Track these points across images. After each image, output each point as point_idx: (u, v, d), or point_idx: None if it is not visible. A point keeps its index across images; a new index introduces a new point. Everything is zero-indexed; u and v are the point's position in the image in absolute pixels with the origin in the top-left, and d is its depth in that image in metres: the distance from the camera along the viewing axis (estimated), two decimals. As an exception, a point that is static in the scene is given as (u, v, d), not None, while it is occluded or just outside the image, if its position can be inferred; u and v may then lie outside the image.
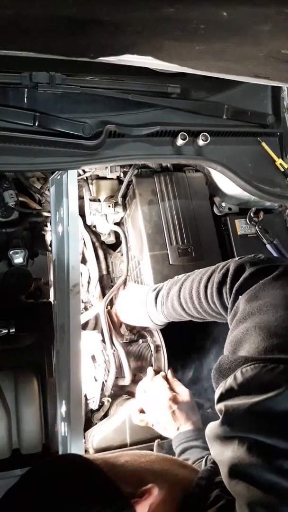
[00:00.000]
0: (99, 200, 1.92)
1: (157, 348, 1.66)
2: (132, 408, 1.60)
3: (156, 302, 1.48)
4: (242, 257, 1.23)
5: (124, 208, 1.93)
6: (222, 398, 0.84)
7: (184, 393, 1.53)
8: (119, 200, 1.90)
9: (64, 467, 0.88)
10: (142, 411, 1.57)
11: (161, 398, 1.51)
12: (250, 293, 1.07)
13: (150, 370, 1.63)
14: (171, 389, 1.55)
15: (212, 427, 0.85)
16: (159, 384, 1.56)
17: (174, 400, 1.50)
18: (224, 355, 0.98)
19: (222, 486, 0.85)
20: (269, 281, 1.06)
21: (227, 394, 0.83)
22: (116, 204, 1.91)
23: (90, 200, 1.91)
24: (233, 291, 1.14)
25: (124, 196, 1.92)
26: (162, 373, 1.62)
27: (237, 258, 1.25)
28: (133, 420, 1.58)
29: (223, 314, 1.28)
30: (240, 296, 1.09)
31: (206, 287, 1.28)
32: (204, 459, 1.19)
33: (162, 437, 1.55)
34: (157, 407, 1.50)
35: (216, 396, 0.87)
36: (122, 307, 1.68)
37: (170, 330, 1.69)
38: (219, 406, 0.84)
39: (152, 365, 1.67)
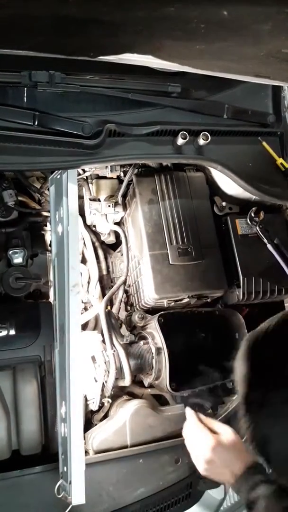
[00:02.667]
0: (99, 200, 1.91)
1: (158, 350, 1.65)
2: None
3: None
4: None
5: (124, 207, 1.92)
6: None
7: (226, 432, 1.40)
8: (119, 199, 1.89)
9: None
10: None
11: (204, 447, 1.38)
12: None
13: (189, 412, 1.51)
14: (211, 429, 1.42)
15: None
16: (197, 429, 1.44)
17: (218, 444, 1.37)
18: None
19: None
20: None
21: None
22: (116, 203, 1.90)
23: (90, 199, 1.91)
24: None
25: (124, 196, 1.91)
26: (195, 415, 1.49)
27: None
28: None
29: None
30: None
31: None
32: None
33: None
34: (204, 456, 1.38)
35: None
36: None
37: (171, 332, 1.69)
38: None
39: (153, 368, 1.67)
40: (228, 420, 1.68)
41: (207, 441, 1.38)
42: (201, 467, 1.39)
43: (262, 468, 1.29)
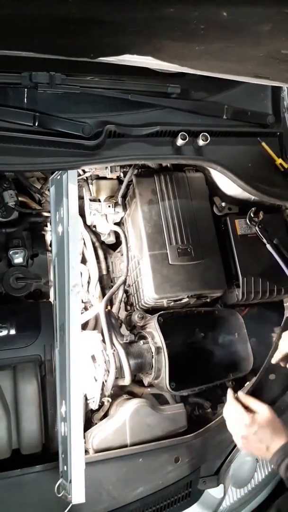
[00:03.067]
0: (99, 200, 1.92)
1: (157, 350, 1.66)
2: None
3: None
4: None
5: (124, 208, 1.93)
6: None
7: (262, 410, 1.43)
8: (119, 200, 1.90)
9: None
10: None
11: (239, 425, 1.44)
12: None
13: (229, 394, 1.53)
14: (248, 409, 1.46)
15: None
16: (233, 409, 1.47)
17: (253, 422, 1.41)
18: None
19: None
20: None
21: None
22: (116, 204, 1.91)
23: (90, 200, 1.91)
24: None
25: (124, 196, 1.92)
26: (232, 395, 1.51)
27: None
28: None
29: None
30: None
31: None
32: None
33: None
34: (239, 433, 1.44)
35: None
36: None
37: (171, 332, 1.69)
38: None
39: (153, 367, 1.67)
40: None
41: (243, 419, 1.43)
42: (239, 443, 1.46)
43: None
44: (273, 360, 1.55)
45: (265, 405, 1.45)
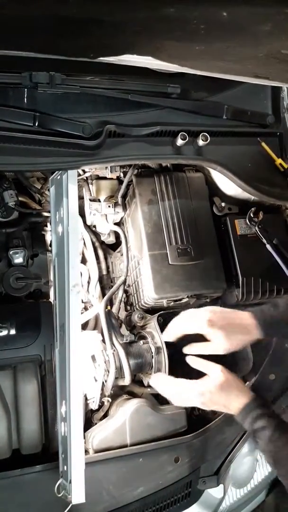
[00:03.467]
0: (99, 200, 1.92)
1: (157, 350, 1.66)
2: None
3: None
4: None
5: (124, 208, 1.93)
6: None
7: (214, 372, 1.42)
8: (119, 200, 1.90)
9: None
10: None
11: (190, 396, 1.43)
12: None
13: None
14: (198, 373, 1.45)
15: None
16: (176, 384, 1.47)
17: (206, 388, 1.40)
18: None
19: None
20: None
21: None
22: (116, 204, 1.91)
23: (90, 200, 1.91)
24: None
25: (124, 196, 1.92)
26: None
27: None
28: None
29: None
30: None
31: None
32: None
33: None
34: (195, 401, 1.42)
35: None
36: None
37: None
38: None
39: (152, 367, 1.67)
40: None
41: (192, 390, 1.41)
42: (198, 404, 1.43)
43: (263, 401, 1.37)
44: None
45: (218, 366, 1.43)
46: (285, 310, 1.43)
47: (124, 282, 1.88)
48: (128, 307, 1.96)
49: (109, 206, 1.90)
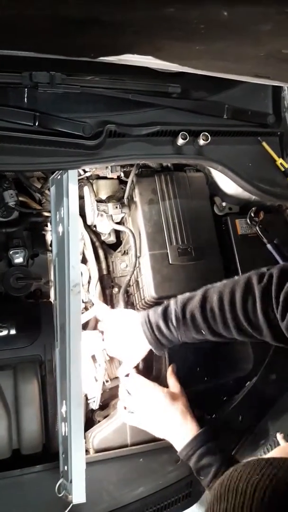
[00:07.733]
0: (105, 201, 1.89)
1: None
2: (118, 408, 1.59)
3: (166, 321, 1.42)
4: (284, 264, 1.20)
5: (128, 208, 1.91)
6: None
7: (175, 388, 1.51)
8: (125, 201, 1.88)
9: None
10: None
11: (154, 397, 1.50)
12: None
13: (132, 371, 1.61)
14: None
15: None
16: (143, 381, 1.55)
17: (172, 397, 1.48)
18: None
19: None
20: None
21: None
22: (123, 205, 1.88)
23: (97, 201, 1.88)
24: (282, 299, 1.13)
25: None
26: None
27: (279, 265, 1.21)
28: (125, 420, 1.57)
29: (257, 333, 1.24)
30: None
31: (244, 299, 1.24)
32: None
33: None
34: (150, 406, 1.50)
35: None
36: (112, 338, 1.60)
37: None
38: None
39: (153, 367, 1.67)
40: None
41: (158, 395, 1.49)
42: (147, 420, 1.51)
43: (210, 435, 1.40)
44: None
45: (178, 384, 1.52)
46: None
47: (129, 281, 1.87)
48: (129, 307, 1.96)
49: (116, 207, 1.87)
